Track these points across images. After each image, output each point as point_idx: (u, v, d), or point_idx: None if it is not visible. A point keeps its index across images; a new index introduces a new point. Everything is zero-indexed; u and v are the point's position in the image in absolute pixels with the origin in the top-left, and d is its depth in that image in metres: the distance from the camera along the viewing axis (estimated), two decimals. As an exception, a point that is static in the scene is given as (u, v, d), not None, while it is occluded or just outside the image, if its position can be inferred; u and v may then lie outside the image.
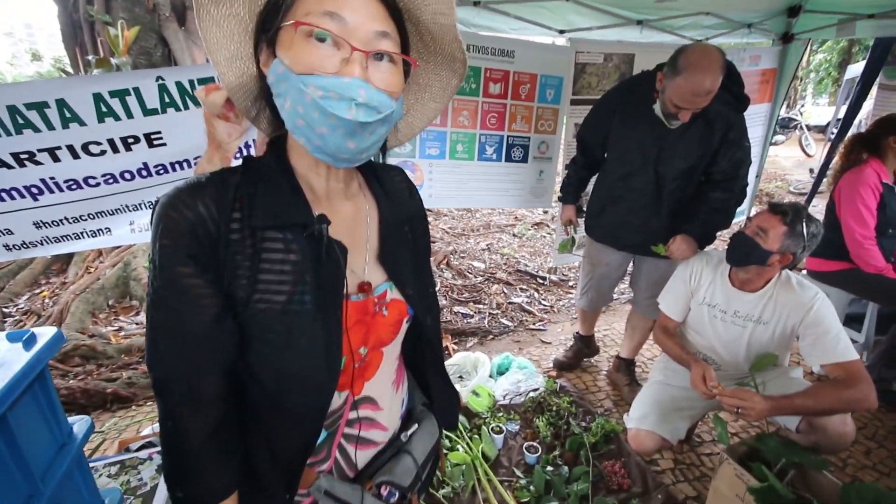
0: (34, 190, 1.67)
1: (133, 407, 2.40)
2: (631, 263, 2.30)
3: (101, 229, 1.89)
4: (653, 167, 1.92)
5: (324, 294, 0.61)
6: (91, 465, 1.25)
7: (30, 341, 1.02)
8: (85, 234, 1.87)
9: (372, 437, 0.75)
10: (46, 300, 3.48)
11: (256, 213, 0.58)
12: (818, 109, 12.07)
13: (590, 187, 2.28)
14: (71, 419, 1.17)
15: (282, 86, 0.55)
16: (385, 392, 0.76)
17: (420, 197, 0.82)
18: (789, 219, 1.50)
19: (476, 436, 1.97)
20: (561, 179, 2.44)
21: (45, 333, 1.06)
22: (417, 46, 0.65)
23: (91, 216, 1.83)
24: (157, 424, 1.89)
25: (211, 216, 0.56)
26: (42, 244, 1.82)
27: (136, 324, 3.23)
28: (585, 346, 2.65)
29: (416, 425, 0.82)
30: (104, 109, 1.62)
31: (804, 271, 2.63)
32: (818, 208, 4.81)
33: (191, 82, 1.70)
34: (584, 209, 2.30)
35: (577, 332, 2.66)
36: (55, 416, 1.10)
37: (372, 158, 0.69)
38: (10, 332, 1.03)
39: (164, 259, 0.56)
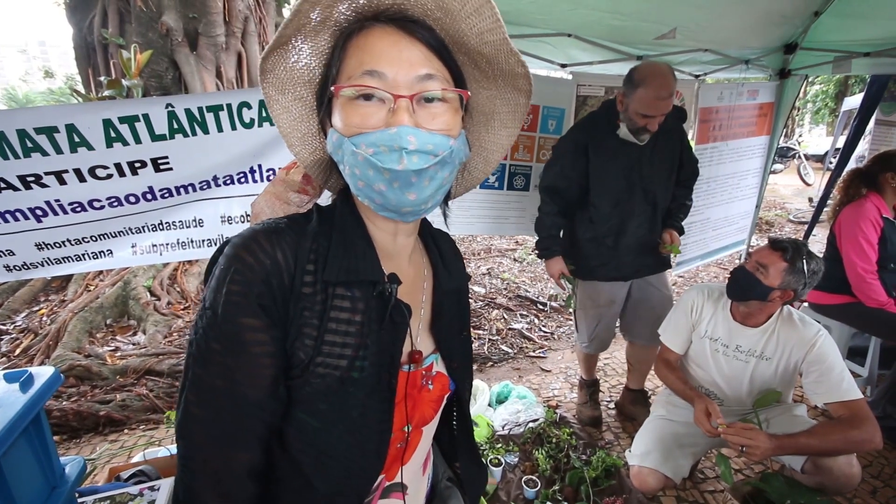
0: (38, 212, 1.67)
1: (125, 431, 2.37)
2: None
3: (102, 251, 1.88)
4: (640, 187, 2.02)
5: (381, 361, 0.57)
6: (80, 500, 1.21)
7: (27, 383, 0.99)
8: (86, 256, 1.87)
9: None
10: (45, 318, 3.47)
11: (331, 267, 0.54)
12: (816, 138, 12.22)
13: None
14: (63, 460, 1.14)
15: (338, 153, 0.54)
16: (415, 477, 0.70)
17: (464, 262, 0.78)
18: (789, 255, 1.49)
19: (474, 468, 1.93)
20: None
21: (42, 374, 1.03)
22: (474, 75, 0.61)
23: (94, 238, 1.84)
24: (148, 451, 1.83)
25: (287, 266, 0.52)
26: (43, 265, 1.81)
27: (133, 344, 3.21)
28: (594, 385, 2.52)
29: None
30: (113, 135, 1.64)
31: (805, 304, 2.62)
32: (818, 237, 4.83)
33: (199, 109, 1.73)
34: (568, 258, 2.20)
35: (583, 378, 2.53)
36: (48, 458, 1.06)
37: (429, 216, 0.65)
38: (8, 372, 1.00)
39: (229, 307, 0.50)
